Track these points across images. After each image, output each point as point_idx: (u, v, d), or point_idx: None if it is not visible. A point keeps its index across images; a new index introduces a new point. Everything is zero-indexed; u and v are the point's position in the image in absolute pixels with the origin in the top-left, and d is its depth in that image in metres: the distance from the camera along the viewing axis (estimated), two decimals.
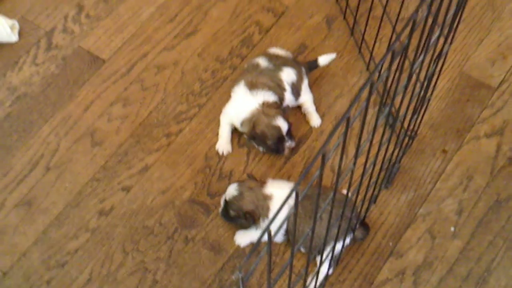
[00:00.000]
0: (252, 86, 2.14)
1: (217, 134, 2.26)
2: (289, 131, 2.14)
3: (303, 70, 2.23)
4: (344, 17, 2.47)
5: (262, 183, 2.01)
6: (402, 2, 2.00)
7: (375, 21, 2.35)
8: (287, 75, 2.18)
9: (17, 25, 2.46)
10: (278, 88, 2.17)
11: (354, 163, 1.41)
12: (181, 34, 2.47)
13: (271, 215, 1.95)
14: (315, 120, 2.28)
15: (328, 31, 2.46)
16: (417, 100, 1.84)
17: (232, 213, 2.01)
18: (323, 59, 2.30)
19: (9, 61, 2.43)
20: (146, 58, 2.42)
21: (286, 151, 2.17)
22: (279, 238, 2.04)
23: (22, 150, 2.26)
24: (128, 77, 2.39)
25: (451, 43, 1.66)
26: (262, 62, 2.20)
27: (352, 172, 1.45)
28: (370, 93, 1.22)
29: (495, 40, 2.42)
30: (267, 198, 1.97)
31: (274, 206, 1.95)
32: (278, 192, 1.98)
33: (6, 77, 2.39)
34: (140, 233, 2.11)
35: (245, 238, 2.09)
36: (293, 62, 2.22)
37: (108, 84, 2.37)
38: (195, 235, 2.10)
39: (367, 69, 2.36)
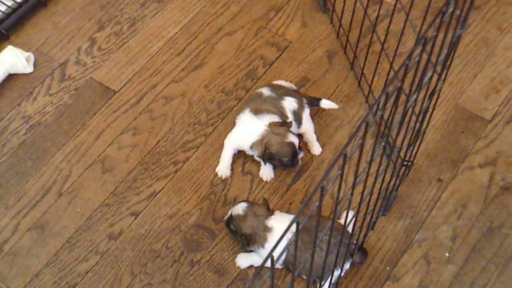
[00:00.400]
0: (257, 112, 2.26)
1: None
2: (298, 144, 2.25)
3: (304, 100, 2.34)
4: (345, 52, 2.59)
5: (270, 213, 2.11)
6: (400, 39, 2.11)
7: (374, 56, 2.46)
8: (289, 103, 2.29)
9: (32, 57, 2.59)
10: (281, 114, 2.28)
11: (352, 193, 1.51)
12: (189, 67, 2.59)
13: (267, 246, 2.04)
14: (316, 149, 2.38)
15: (329, 65, 2.58)
16: (413, 133, 1.95)
17: (232, 227, 2.12)
18: (325, 103, 2.40)
19: (24, 92, 2.54)
20: (155, 89, 2.54)
21: (300, 162, 2.29)
22: (279, 265, 2.13)
23: (35, 176, 2.36)
24: (138, 107, 2.50)
25: (444, 80, 1.77)
26: (265, 91, 2.31)
27: (350, 201, 1.55)
28: (365, 132, 1.32)
29: (489, 75, 2.54)
30: (267, 229, 2.06)
31: (272, 238, 2.05)
32: (279, 225, 2.07)
33: (21, 107, 2.51)
34: (148, 256, 2.20)
35: (245, 260, 2.18)
36: (294, 93, 2.33)
37: (119, 114, 2.49)
38: (200, 258, 2.20)
39: (366, 101, 2.47)
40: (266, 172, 2.35)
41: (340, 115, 2.46)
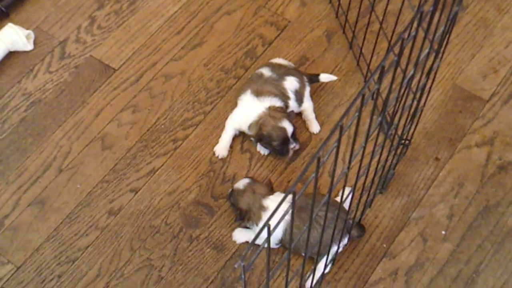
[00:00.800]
0: (258, 94, 2.27)
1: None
2: (293, 134, 2.26)
3: (305, 78, 2.36)
4: (343, 32, 2.60)
5: (270, 193, 2.13)
6: (398, 18, 2.12)
7: (372, 35, 2.47)
8: (290, 83, 2.30)
9: (32, 35, 2.59)
10: (283, 96, 2.29)
11: (348, 167, 1.52)
12: (188, 46, 2.60)
13: (261, 224, 2.07)
14: (314, 127, 2.40)
15: (328, 44, 2.59)
16: (410, 111, 1.96)
17: (231, 200, 2.15)
18: (324, 77, 2.43)
19: (24, 69, 2.55)
20: (155, 67, 2.55)
21: (291, 153, 2.29)
22: (272, 245, 2.15)
23: (36, 153, 2.38)
24: (137, 85, 2.51)
25: (441, 58, 1.78)
26: (266, 72, 2.32)
27: (346, 175, 1.56)
28: (361, 104, 1.34)
29: (487, 55, 2.55)
30: (262, 208, 2.08)
31: (266, 217, 2.06)
32: (275, 205, 2.08)
33: (21, 84, 2.52)
34: (147, 232, 2.23)
35: (242, 235, 2.20)
36: (295, 71, 2.34)
37: (118, 92, 2.50)
38: (199, 234, 2.22)
39: (365, 80, 2.48)
40: (221, 147, 2.38)
41: (339, 93, 2.47)
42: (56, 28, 2.65)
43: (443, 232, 2.21)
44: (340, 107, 2.45)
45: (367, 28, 2.38)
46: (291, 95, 2.31)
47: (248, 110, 2.30)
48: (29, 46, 2.58)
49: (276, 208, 1.25)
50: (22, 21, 2.66)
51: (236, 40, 2.61)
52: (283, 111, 2.26)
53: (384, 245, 2.19)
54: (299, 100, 2.34)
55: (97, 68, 2.56)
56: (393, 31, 2.18)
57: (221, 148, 2.38)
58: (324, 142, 1.24)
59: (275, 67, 2.34)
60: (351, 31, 2.54)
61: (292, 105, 2.33)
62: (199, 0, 2.71)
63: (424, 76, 1.84)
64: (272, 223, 2.10)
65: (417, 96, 1.99)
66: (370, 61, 2.41)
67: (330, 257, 2.07)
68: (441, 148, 2.36)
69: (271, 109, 2.25)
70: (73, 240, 2.22)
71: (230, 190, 2.18)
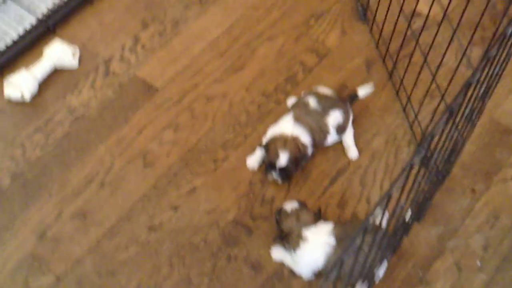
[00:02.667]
0: (297, 119, 2.32)
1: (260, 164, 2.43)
2: (283, 169, 2.29)
3: (349, 108, 2.40)
4: (383, 61, 2.66)
5: (313, 221, 2.14)
6: (444, 54, 2.17)
7: (411, 66, 2.51)
8: (334, 119, 2.36)
9: (77, 52, 2.66)
10: (319, 132, 2.35)
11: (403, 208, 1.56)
12: (230, 69, 2.66)
13: (298, 252, 2.10)
14: (353, 152, 2.44)
15: (367, 73, 2.64)
16: (451, 145, 2.00)
17: (277, 217, 2.18)
18: (362, 91, 2.49)
19: (70, 85, 2.61)
20: (197, 88, 2.61)
21: (269, 177, 2.36)
22: (308, 276, 2.19)
23: (79, 167, 2.43)
24: (180, 105, 2.57)
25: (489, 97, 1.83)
26: (312, 102, 2.37)
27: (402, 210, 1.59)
28: (408, 173, 1.38)
29: None
30: (301, 237, 2.11)
31: (304, 247, 2.09)
32: (313, 237, 2.11)
33: (66, 99, 2.58)
34: (186, 249, 2.26)
35: (279, 254, 2.23)
36: (340, 103, 2.39)
37: (161, 111, 2.55)
38: (237, 253, 2.25)
39: (404, 110, 2.53)
40: (253, 159, 2.43)
41: (377, 122, 2.52)
42: (101, 47, 2.72)
43: (478, 263, 2.24)
44: (378, 136, 2.49)
45: (410, 59, 2.43)
46: (331, 130, 2.36)
47: (281, 126, 2.35)
48: (74, 63, 2.64)
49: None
50: (68, 38, 2.72)
51: (277, 66, 2.67)
52: (297, 147, 2.29)
53: (420, 272, 2.22)
54: (341, 131, 2.39)
55: (141, 87, 2.61)
56: (438, 65, 2.23)
57: (253, 159, 2.43)
58: (372, 211, 1.29)
59: (321, 99, 2.38)
60: (391, 61, 2.60)
61: (332, 138, 2.39)
62: (241, 25, 2.78)
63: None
64: (311, 254, 2.15)
65: (463, 133, 2.04)
66: (412, 92, 2.46)
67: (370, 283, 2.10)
68: (477, 180, 2.40)
69: (292, 138, 2.30)
70: (114, 254, 2.25)
71: (279, 208, 2.21)
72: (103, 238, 2.28)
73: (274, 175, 2.34)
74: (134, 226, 2.31)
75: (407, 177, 1.39)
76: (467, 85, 1.51)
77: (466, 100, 1.70)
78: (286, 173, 2.33)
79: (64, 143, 2.48)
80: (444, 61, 2.34)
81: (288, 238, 2.13)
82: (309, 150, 2.34)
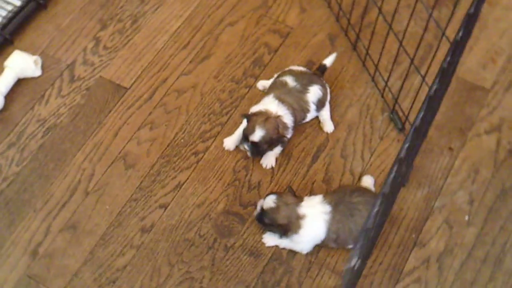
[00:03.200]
0: (280, 100, 2.33)
1: (241, 149, 2.43)
2: (256, 144, 2.29)
3: (325, 82, 2.43)
4: (346, 34, 2.68)
5: (299, 200, 2.18)
6: (409, 21, 2.21)
7: (375, 36, 2.55)
8: (313, 94, 2.37)
9: (39, 60, 2.60)
10: (300, 111, 2.37)
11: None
12: (196, 59, 2.64)
13: (301, 232, 2.13)
14: (329, 126, 2.47)
15: (332, 47, 2.67)
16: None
17: (266, 221, 2.17)
18: (328, 60, 2.52)
19: (36, 95, 2.56)
20: (166, 83, 2.59)
21: (241, 147, 2.39)
22: (308, 249, 2.23)
23: (59, 178, 2.39)
24: (151, 102, 2.54)
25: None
26: (290, 81, 2.38)
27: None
28: (399, 168, 1.41)
29: (484, 47, 2.66)
30: (299, 217, 2.13)
31: (306, 224, 2.13)
32: (311, 211, 2.15)
33: (34, 110, 2.52)
34: (182, 245, 2.26)
35: (272, 240, 2.26)
36: (316, 78, 2.41)
37: (133, 110, 2.53)
38: (233, 243, 2.26)
39: (373, 79, 2.57)
40: (231, 140, 2.45)
41: (348, 94, 2.55)
42: (62, 52, 2.66)
43: (466, 218, 2.31)
44: (352, 107, 2.52)
45: (374, 27, 2.46)
46: (312, 107, 2.39)
47: (263, 104, 2.35)
48: (37, 72, 2.58)
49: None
50: (26, 47, 2.65)
51: (242, 50, 2.67)
52: (276, 128, 2.30)
53: (413, 236, 2.28)
54: (321, 106, 2.42)
55: (109, 88, 2.58)
56: (404, 33, 2.27)
57: (230, 140, 2.45)
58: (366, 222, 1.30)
59: (298, 76, 2.40)
60: (354, 33, 2.63)
61: (310, 115, 2.42)
62: (201, 14, 2.76)
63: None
64: (314, 227, 2.18)
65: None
66: (379, 61, 2.50)
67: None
68: (453, 138, 2.46)
69: (274, 116, 2.31)
70: (111, 261, 2.23)
71: (257, 213, 2.20)
72: (97, 247, 2.26)
73: (246, 146, 2.34)
74: (126, 230, 2.29)
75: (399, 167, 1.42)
76: (455, 44, 1.54)
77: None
78: (257, 150, 2.33)
79: (40, 155, 2.43)
80: (403, 27, 2.39)
81: (289, 226, 2.15)
82: (289, 132, 2.36)
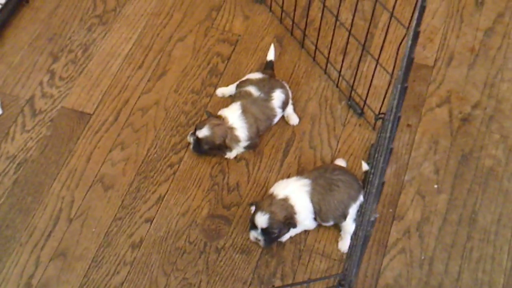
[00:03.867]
0: (245, 110, 2.45)
1: (213, 156, 2.51)
2: (197, 141, 2.43)
3: (283, 82, 2.56)
4: (291, 33, 2.81)
5: (270, 197, 2.26)
6: (354, 13, 2.36)
7: (317, 31, 2.69)
8: (278, 99, 2.49)
9: None
10: (265, 120, 2.49)
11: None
12: (153, 77, 2.71)
13: (297, 210, 2.23)
14: (294, 119, 2.59)
15: (281, 48, 2.78)
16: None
17: (275, 231, 2.23)
18: (270, 55, 2.65)
19: (0, 134, 2.55)
20: (129, 103, 2.63)
21: (188, 139, 2.50)
22: (312, 224, 2.33)
23: (40, 210, 2.39)
24: (118, 124, 2.58)
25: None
26: (253, 91, 2.49)
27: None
28: (375, 155, 1.53)
29: (420, 28, 2.84)
30: (286, 200, 2.23)
31: (294, 201, 2.23)
32: (288, 190, 2.25)
33: (1, 149, 2.52)
34: (174, 254, 2.30)
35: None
36: (275, 81, 2.54)
37: (101, 134, 2.56)
38: (223, 244, 2.33)
39: (325, 72, 2.70)
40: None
41: (305, 89, 2.67)
42: (18, 88, 2.67)
43: (436, 186, 2.46)
44: (311, 101, 2.64)
45: (320, 25, 2.60)
46: (278, 111, 2.50)
47: (230, 113, 2.46)
48: None
49: None
50: None
51: (196, 63, 2.75)
52: (224, 133, 2.42)
53: (390, 210, 2.40)
54: (285, 106, 2.54)
55: (73, 117, 2.60)
56: (352, 26, 2.41)
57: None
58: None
59: (259, 84, 2.50)
60: (300, 31, 2.76)
61: (278, 117, 2.54)
62: (149, 34, 2.82)
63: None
64: (301, 200, 2.29)
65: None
66: (329, 54, 2.64)
67: (353, 217, 2.29)
68: (409, 115, 2.62)
69: (228, 126, 2.43)
70: (107, 281, 2.25)
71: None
72: (90, 270, 2.27)
73: (191, 140, 2.47)
74: (116, 249, 2.32)
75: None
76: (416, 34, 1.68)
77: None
78: (198, 146, 2.45)
79: (16, 191, 2.43)
80: (343, 19, 2.55)
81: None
82: (240, 144, 2.47)
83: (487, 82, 2.70)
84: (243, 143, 2.47)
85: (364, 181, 2.34)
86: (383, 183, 1.46)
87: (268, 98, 2.48)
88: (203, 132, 2.40)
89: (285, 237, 2.31)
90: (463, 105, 2.64)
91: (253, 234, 2.25)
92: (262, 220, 2.20)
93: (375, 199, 1.48)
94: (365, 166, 2.41)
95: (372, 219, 1.42)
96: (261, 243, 2.27)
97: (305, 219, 2.27)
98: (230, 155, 2.51)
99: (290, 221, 2.22)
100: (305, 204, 2.24)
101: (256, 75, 2.57)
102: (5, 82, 2.68)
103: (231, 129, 2.43)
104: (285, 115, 2.58)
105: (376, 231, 2.36)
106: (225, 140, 2.42)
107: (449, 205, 2.42)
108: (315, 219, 2.29)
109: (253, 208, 2.30)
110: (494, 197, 2.43)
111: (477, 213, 2.40)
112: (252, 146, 2.50)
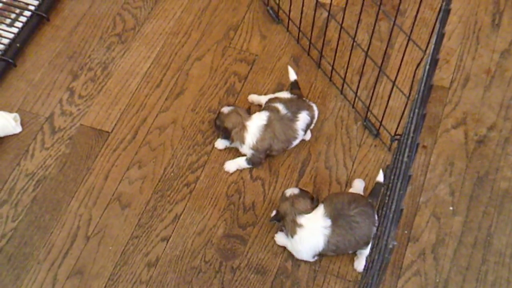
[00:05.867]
0: (269, 123, 2.47)
1: (230, 174, 2.53)
2: (218, 114, 2.54)
3: (314, 107, 2.57)
4: (308, 54, 2.83)
5: (309, 209, 2.27)
6: (372, 34, 2.37)
7: (333, 51, 2.71)
8: (302, 122, 2.50)
9: (18, 117, 2.63)
10: (283, 142, 2.50)
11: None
12: (171, 96, 2.74)
13: (295, 237, 2.25)
14: (307, 135, 2.61)
15: (297, 68, 2.81)
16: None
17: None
18: (291, 75, 2.65)
19: (20, 151, 2.59)
20: (146, 122, 2.67)
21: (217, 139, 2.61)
22: (310, 259, 2.34)
23: (57, 227, 2.42)
24: (135, 142, 2.62)
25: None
26: (281, 108, 2.50)
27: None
28: (390, 176, 1.55)
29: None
30: (296, 224, 2.24)
31: (300, 233, 2.24)
32: (308, 224, 2.25)
33: (21, 166, 2.55)
34: (190, 273, 2.33)
35: (282, 240, 2.36)
36: (303, 102, 2.54)
37: (119, 152, 2.59)
38: (239, 264, 2.35)
39: (341, 93, 2.72)
40: (228, 165, 2.58)
41: (322, 110, 2.69)
42: (38, 106, 2.71)
43: (451, 208, 2.46)
44: (327, 121, 2.66)
45: (337, 45, 2.62)
46: (300, 133, 2.52)
47: (253, 120, 2.50)
48: (18, 129, 2.62)
49: None
50: (2, 107, 2.69)
51: (214, 82, 2.78)
52: (238, 121, 2.49)
53: (406, 232, 2.41)
54: (308, 128, 2.55)
55: (92, 135, 2.63)
56: (352, 43, 2.43)
57: (230, 163, 2.58)
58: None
59: (287, 104, 2.51)
60: (316, 51, 2.78)
61: (298, 141, 2.55)
62: (168, 53, 2.86)
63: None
64: (311, 239, 2.30)
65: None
66: (346, 74, 2.65)
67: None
68: (424, 136, 2.63)
69: (243, 119, 2.49)
70: None
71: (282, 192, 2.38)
72: None
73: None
74: (133, 267, 2.34)
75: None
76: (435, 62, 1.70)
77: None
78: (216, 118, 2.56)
79: (34, 208, 2.46)
80: (359, 40, 2.57)
81: (285, 222, 2.26)
82: (243, 146, 2.51)
83: (503, 104, 2.71)
84: (245, 148, 2.50)
85: (373, 191, 2.35)
86: (401, 210, 1.47)
87: (293, 118, 2.49)
88: (224, 109, 2.51)
89: (280, 240, 2.37)
90: (478, 127, 2.65)
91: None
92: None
93: (394, 227, 1.49)
94: (380, 177, 2.40)
95: (390, 246, 1.43)
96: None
97: (305, 252, 2.30)
98: (218, 144, 2.60)
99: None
100: (316, 244, 2.25)
101: (285, 94, 2.59)
102: (25, 100, 2.72)
103: (244, 127, 2.47)
104: None
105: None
106: (232, 130, 2.48)
107: (464, 228, 2.42)
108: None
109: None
110: (510, 219, 2.43)
111: (492, 235, 2.40)
112: (254, 162, 2.52)
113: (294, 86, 2.63)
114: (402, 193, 1.54)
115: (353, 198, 2.31)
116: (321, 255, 2.30)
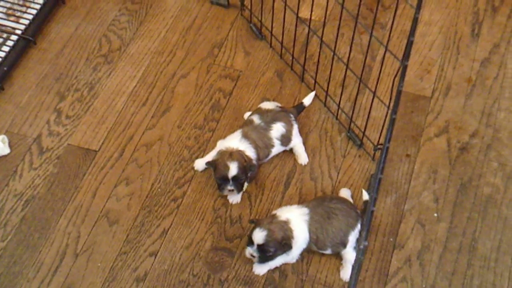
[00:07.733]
0: (245, 135, 2.48)
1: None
2: (236, 178, 2.42)
3: (292, 117, 2.59)
4: (292, 68, 2.88)
5: (272, 216, 2.32)
6: (351, 47, 2.42)
7: (315, 65, 2.75)
8: (276, 131, 2.53)
9: (6, 139, 2.67)
10: (264, 148, 2.52)
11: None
12: (157, 113, 2.77)
13: (295, 235, 2.27)
14: (302, 159, 2.63)
15: (281, 82, 2.85)
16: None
17: (271, 250, 2.25)
18: (307, 100, 2.69)
19: (8, 172, 2.62)
20: (133, 140, 2.70)
21: (226, 193, 2.48)
22: (296, 257, 2.37)
23: (46, 246, 2.44)
24: (122, 159, 2.65)
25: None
26: (256, 119, 2.54)
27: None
28: (377, 186, 1.59)
29: (417, 60, 2.91)
30: (286, 223, 2.28)
31: (294, 226, 2.27)
32: (290, 215, 2.30)
33: (9, 186, 2.58)
34: (179, 287, 2.34)
35: (261, 268, 2.37)
36: (281, 114, 2.57)
37: (107, 170, 2.62)
38: (226, 276, 2.36)
39: (325, 105, 2.76)
40: (200, 161, 2.62)
41: (306, 122, 2.73)
42: (26, 128, 2.74)
43: (435, 215, 2.49)
44: (312, 133, 2.70)
45: (319, 59, 2.67)
46: (276, 142, 2.54)
47: (228, 142, 2.50)
48: (6, 150, 2.65)
49: None
50: None
51: (199, 98, 2.82)
52: (243, 158, 2.43)
53: (391, 239, 2.44)
54: (287, 141, 2.57)
55: (79, 154, 2.67)
56: (332, 58, 2.47)
57: (200, 162, 2.62)
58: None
59: (263, 114, 2.55)
60: (299, 66, 2.83)
61: (276, 150, 2.57)
62: (153, 72, 2.90)
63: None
64: (300, 228, 2.33)
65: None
66: (328, 87, 2.70)
67: (353, 245, 2.33)
68: (408, 145, 2.66)
69: (237, 151, 2.45)
70: None
71: (256, 258, 2.28)
72: None
73: (229, 187, 2.44)
74: (122, 283, 2.36)
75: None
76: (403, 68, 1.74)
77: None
78: (239, 182, 2.44)
79: (23, 228, 2.48)
80: (341, 53, 2.61)
81: (288, 236, 2.26)
82: (254, 162, 2.50)
83: (485, 111, 2.75)
84: (255, 162, 2.49)
85: (364, 211, 2.38)
86: (372, 212, 1.50)
87: (267, 127, 2.52)
88: (233, 168, 2.39)
89: (276, 262, 2.35)
90: (461, 135, 2.69)
91: (249, 250, 2.28)
92: (259, 236, 2.23)
93: (364, 227, 1.52)
94: (365, 195, 2.45)
95: (361, 247, 1.46)
96: (255, 260, 2.30)
97: (298, 248, 2.30)
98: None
99: (286, 243, 2.24)
100: (304, 233, 2.28)
101: (269, 105, 2.62)
102: (13, 122, 2.76)
103: (240, 151, 2.45)
104: (295, 153, 2.64)
105: (377, 260, 2.39)
106: (245, 160, 2.43)
107: (449, 233, 2.45)
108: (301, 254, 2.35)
109: (253, 225, 2.33)
110: (494, 224, 2.46)
111: (477, 240, 2.43)
112: (252, 178, 2.55)
113: (298, 107, 2.67)
114: (372, 195, 1.58)
115: (337, 197, 2.37)
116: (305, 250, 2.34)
